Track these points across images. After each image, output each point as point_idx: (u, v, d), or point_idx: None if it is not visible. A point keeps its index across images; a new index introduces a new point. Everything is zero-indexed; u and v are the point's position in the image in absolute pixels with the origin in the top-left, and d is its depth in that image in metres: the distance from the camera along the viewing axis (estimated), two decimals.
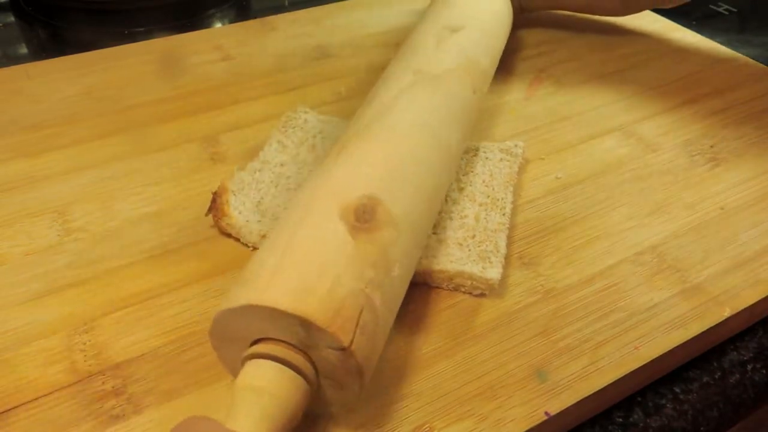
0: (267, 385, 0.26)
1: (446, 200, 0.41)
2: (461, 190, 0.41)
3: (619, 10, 0.58)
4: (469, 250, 0.37)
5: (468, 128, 0.41)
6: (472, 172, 0.43)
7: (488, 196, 0.41)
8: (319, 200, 0.31)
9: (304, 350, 0.27)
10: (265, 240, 0.31)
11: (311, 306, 0.26)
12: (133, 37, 0.65)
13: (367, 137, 0.35)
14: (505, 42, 0.52)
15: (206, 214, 0.40)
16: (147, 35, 0.67)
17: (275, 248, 0.29)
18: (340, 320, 0.26)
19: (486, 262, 0.36)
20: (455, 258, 0.37)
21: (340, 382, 0.28)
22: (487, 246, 0.37)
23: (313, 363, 0.28)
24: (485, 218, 0.39)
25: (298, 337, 0.27)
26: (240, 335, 0.28)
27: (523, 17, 0.64)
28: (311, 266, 0.28)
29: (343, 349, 0.27)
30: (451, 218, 0.39)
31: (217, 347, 0.30)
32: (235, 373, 0.29)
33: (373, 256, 0.29)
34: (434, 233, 0.38)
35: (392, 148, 0.35)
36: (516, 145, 0.45)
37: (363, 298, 0.28)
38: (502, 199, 0.41)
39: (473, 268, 0.36)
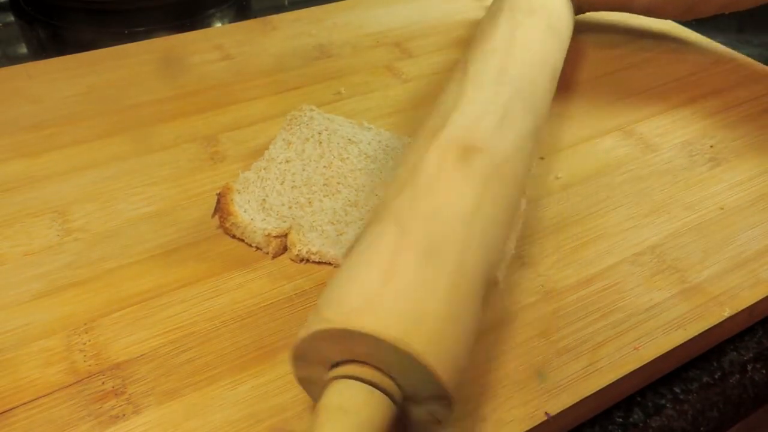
0: (353, 405, 0.25)
1: None
2: None
3: (683, 14, 0.57)
4: None
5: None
6: None
7: None
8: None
9: (382, 368, 0.26)
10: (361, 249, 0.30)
11: (435, 355, 0.26)
12: (133, 37, 0.65)
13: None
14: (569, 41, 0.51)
15: (212, 216, 0.40)
16: (147, 35, 0.67)
17: (375, 264, 0.28)
18: (456, 375, 0.26)
19: None
20: None
21: (426, 407, 0.27)
22: None
23: (399, 385, 0.27)
24: None
25: (392, 366, 0.26)
26: (326, 355, 0.27)
27: (581, 19, 0.63)
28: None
29: (448, 401, 0.26)
30: None
31: (296, 365, 0.29)
32: (312, 393, 0.29)
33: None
34: None
35: None
36: None
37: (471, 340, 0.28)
38: None
39: None
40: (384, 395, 0.26)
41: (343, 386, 0.26)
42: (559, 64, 0.45)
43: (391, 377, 0.26)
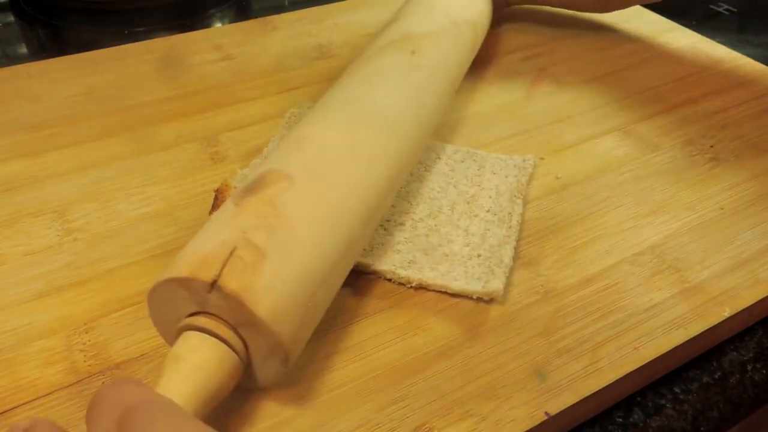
0: (194, 356, 0.27)
1: (452, 212, 0.41)
2: (467, 203, 0.41)
3: (598, 7, 0.58)
4: (474, 269, 0.37)
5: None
6: (479, 186, 0.43)
7: (495, 214, 0.41)
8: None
9: (234, 325, 0.28)
10: None
11: (182, 267, 0.28)
12: (133, 37, 0.65)
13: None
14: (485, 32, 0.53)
15: (210, 213, 0.40)
16: (147, 35, 0.67)
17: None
18: (204, 266, 0.28)
19: (490, 276, 0.36)
20: (459, 275, 0.37)
21: (257, 342, 0.29)
22: (492, 262, 0.37)
23: (243, 338, 0.28)
24: (492, 234, 0.39)
25: (207, 306, 0.28)
26: (174, 310, 0.29)
27: (508, 12, 0.64)
28: (200, 239, 0.30)
29: (211, 286, 0.27)
30: (457, 233, 0.39)
31: (156, 323, 0.31)
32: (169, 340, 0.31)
33: (256, 207, 0.30)
34: (439, 246, 0.38)
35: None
36: (525, 160, 0.45)
37: (237, 240, 0.29)
38: (510, 212, 0.41)
39: (476, 286, 0.36)
40: (225, 345, 0.28)
41: (184, 338, 0.28)
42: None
43: (235, 331, 0.28)
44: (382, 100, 0.39)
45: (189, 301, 0.28)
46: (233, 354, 0.28)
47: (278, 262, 0.29)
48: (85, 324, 0.35)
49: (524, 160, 0.45)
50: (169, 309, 0.29)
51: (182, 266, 0.28)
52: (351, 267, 0.34)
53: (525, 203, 0.42)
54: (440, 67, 0.44)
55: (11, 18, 0.72)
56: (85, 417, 0.24)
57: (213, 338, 0.28)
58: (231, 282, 0.27)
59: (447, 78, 0.45)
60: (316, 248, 0.30)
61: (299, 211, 0.31)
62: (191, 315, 0.29)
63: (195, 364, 0.27)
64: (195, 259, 0.28)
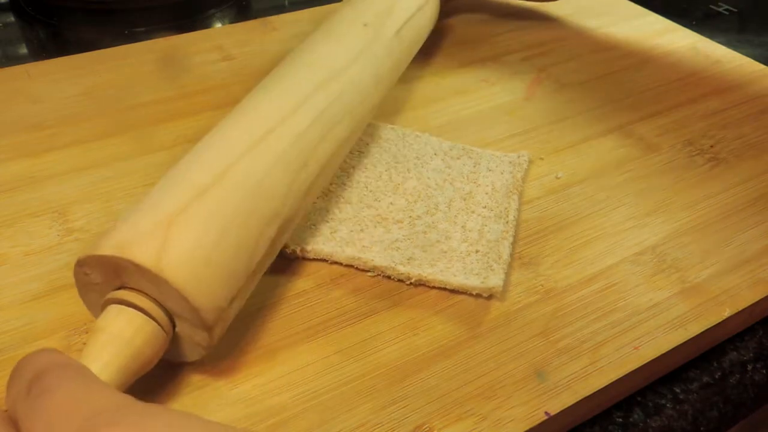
0: (113, 326, 0.28)
1: (449, 209, 0.41)
2: (464, 200, 0.41)
3: None
4: (473, 264, 0.37)
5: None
6: (475, 183, 0.43)
7: (492, 210, 0.41)
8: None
9: (157, 299, 0.29)
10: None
11: (105, 247, 0.29)
12: (133, 37, 0.65)
13: None
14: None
15: None
16: (147, 35, 0.67)
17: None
18: (125, 245, 0.29)
19: (489, 271, 0.36)
20: (458, 271, 0.37)
21: (185, 317, 0.30)
22: (490, 257, 0.37)
23: (168, 312, 0.29)
24: (489, 230, 0.39)
25: (128, 281, 0.29)
26: (99, 286, 0.30)
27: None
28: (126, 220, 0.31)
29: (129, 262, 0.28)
30: (455, 229, 0.39)
31: (82, 292, 0.31)
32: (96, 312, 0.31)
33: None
34: (438, 242, 0.38)
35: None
36: (520, 156, 0.45)
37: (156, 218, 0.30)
38: (506, 208, 0.41)
39: (475, 281, 0.36)
40: (143, 315, 0.29)
41: (109, 310, 0.29)
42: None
43: (158, 303, 0.29)
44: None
45: (111, 277, 0.29)
46: (152, 323, 0.29)
47: (186, 227, 0.30)
48: (85, 324, 0.35)
49: (519, 156, 0.45)
50: (95, 285, 0.30)
51: (105, 246, 0.29)
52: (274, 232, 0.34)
53: (521, 199, 0.42)
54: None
55: (11, 18, 0.72)
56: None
57: (132, 309, 0.29)
58: (142, 255, 0.28)
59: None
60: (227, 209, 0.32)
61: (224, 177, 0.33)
62: (114, 290, 0.30)
63: (113, 334, 0.28)
64: (117, 238, 0.29)
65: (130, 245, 0.29)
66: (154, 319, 0.29)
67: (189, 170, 0.33)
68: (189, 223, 0.30)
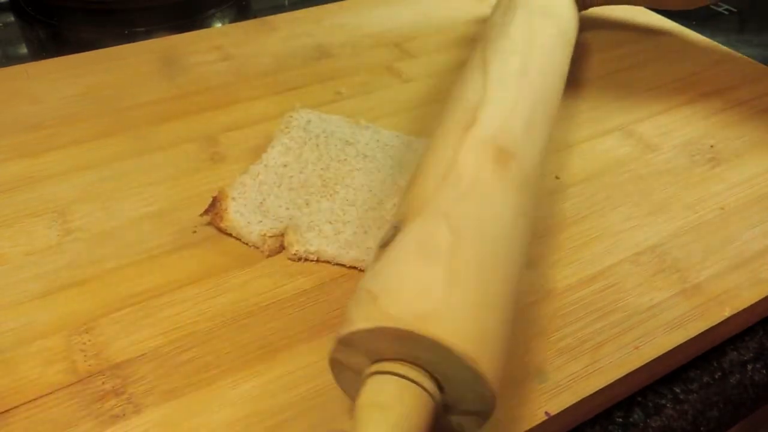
0: (392, 401, 0.25)
1: None
2: None
3: (686, 3, 0.56)
4: None
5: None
6: None
7: None
8: None
9: (428, 369, 0.26)
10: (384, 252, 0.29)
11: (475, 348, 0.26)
12: (133, 37, 0.65)
13: None
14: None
15: (201, 215, 0.40)
16: (147, 35, 0.67)
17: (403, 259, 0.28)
18: (488, 358, 0.26)
19: None
20: None
21: (467, 406, 0.27)
22: None
23: (438, 381, 0.27)
24: None
25: (425, 360, 0.26)
26: (362, 355, 0.27)
27: (583, 16, 0.62)
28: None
29: (484, 418, 0.26)
30: None
31: (335, 367, 0.29)
32: (352, 394, 0.29)
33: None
34: None
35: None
36: None
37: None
38: None
39: None
40: (428, 395, 0.26)
41: (385, 382, 0.26)
42: (567, 72, 0.45)
43: (436, 380, 0.26)
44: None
45: (409, 354, 0.26)
46: (425, 393, 0.26)
47: (459, 288, 0.27)
48: (85, 324, 0.35)
49: None
50: (367, 349, 0.27)
51: (371, 317, 0.26)
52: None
53: None
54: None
55: (11, 18, 0.72)
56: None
57: (412, 383, 0.26)
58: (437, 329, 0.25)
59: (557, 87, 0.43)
60: (497, 266, 0.29)
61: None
62: (380, 360, 0.27)
63: (398, 412, 0.25)
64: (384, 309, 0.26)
65: (425, 319, 0.25)
66: (435, 402, 0.26)
67: (430, 224, 0.29)
68: (459, 283, 0.27)
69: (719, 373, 0.36)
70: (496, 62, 0.39)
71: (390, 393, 0.25)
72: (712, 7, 0.69)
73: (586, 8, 0.58)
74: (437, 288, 0.27)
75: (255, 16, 0.66)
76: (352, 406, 0.29)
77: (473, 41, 0.61)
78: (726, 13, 0.64)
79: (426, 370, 0.26)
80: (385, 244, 0.29)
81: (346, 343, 0.27)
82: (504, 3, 0.48)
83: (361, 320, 0.26)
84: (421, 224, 0.29)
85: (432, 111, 0.51)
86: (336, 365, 0.28)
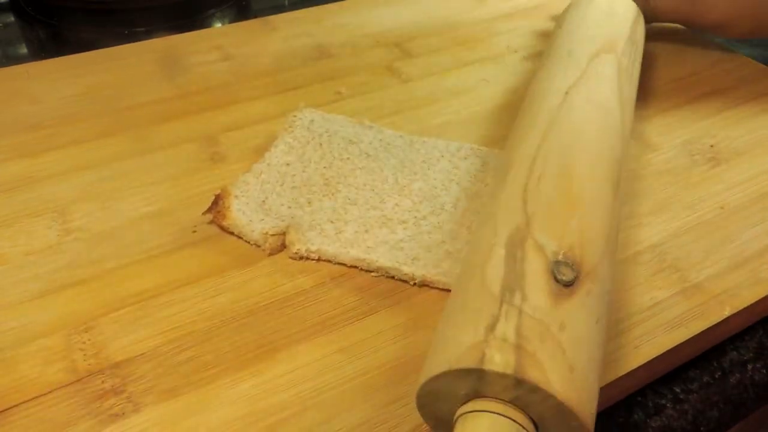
0: None
1: (455, 209, 0.41)
2: (471, 200, 0.41)
3: (751, 33, 0.56)
4: None
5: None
6: (482, 182, 0.43)
7: None
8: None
9: (521, 406, 0.26)
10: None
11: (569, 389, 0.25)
12: (133, 37, 0.65)
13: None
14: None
15: (203, 213, 0.40)
16: (147, 35, 0.67)
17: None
18: (586, 404, 0.26)
19: None
20: None
21: None
22: None
23: (531, 418, 0.26)
24: None
25: (522, 401, 0.26)
26: (452, 393, 0.27)
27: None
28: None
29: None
30: (460, 230, 0.39)
31: (422, 402, 0.28)
32: (435, 420, 0.29)
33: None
34: (443, 243, 0.38)
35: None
36: None
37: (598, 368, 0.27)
38: None
39: None
40: (518, 426, 0.26)
41: (491, 421, 0.26)
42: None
43: (522, 410, 0.26)
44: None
45: (488, 389, 0.26)
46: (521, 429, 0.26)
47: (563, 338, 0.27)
48: (85, 323, 0.35)
49: None
50: (450, 391, 0.27)
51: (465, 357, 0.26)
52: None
53: None
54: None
55: (11, 18, 0.72)
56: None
57: (512, 422, 0.26)
58: (556, 383, 0.25)
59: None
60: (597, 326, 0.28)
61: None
62: (481, 399, 0.26)
63: None
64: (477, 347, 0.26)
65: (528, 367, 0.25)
66: (523, 427, 0.26)
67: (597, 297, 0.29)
68: (597, 356, 0.27)
69: (719, 373, 0.36)
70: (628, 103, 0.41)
71: (487, 429, 0.25)
72: None
73: (648, 23, 0.57)
74: (597, 393, 0.27)
75: (255, 16, 0.66)
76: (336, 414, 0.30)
77: (473, 41, 0.61)
78: None
79: (523, 410, 0.26)
80: (567, 284, 0.28)
81: (495, 378, 0.26)
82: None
83: (560, 387, 0.25)
84: (598, 297, 0.29)
85: (432, 111, 0.51)
86: (444, 383, 0.27)
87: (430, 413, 0.29)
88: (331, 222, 0.39)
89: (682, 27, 0.63)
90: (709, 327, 0.35)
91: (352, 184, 0.42)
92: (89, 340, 0.34)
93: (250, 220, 0.39)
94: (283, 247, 0.39)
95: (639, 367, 0.33)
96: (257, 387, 0.32)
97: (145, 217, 0.41)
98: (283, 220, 0.39)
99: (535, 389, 0.25)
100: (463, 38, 0.61)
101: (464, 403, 0.27)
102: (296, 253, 0.38)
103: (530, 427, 0.26)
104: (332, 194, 0.41)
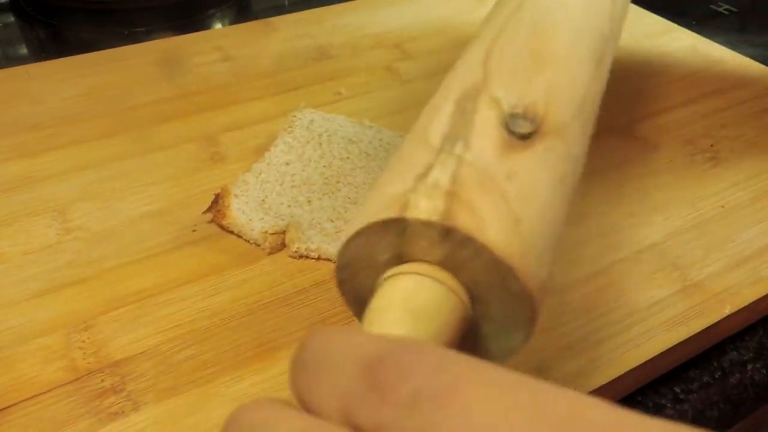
0: (424, 306, 0.20)
1: None
2: None
3: None
4: None
5: None
6: None
7: None
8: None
9: (452, 269, 0.21)
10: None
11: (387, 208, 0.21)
12: (133, 38, 0.65)
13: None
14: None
15: (203, 212, 0.40)
16: (147, 36, 0.67)
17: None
18: (532, 265, 0.21)
19: None
20: None
21: (500, 306, 0.22)
22: None
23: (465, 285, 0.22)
24: None
25: (474, 276, 0.21)
26: (373, 259, 0.22)
27: None
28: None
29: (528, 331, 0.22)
30: None
31: (341, 276, 0.24)
32: (357, 293, 0.24)
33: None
34: None
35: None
36: None
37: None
38: None
39: None
40: (462, 304, 0.21)
41: (412, 282, 0.21)
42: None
43: (468, 289, 0.22)
44: None
45: (411, 248, 0.22)
46: (459, 300, 0.21)
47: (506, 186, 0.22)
48: (85, 322, 0.35)
49: None
50: (369, 254, 0.22)
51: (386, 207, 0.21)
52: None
53: None
54: None
55: (11, 18, 0.72)
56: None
57: (452, 293, 0.21)
58: (495, 234, 0.21)
59: None
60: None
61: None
62: (407, 262, 0.22)
63: (439, 326, 0.20)
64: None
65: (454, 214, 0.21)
66: (457, 294, 0.21)
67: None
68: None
69: (719, 373, 0.36)
70: None
71: (426, 299, 0.21)
72: (712, 7, 0.69)
73: None
74: (549, 259, 0.23)
75: (256, 17, 0.66)
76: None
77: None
78: (726, 13, 0.64)
79: (454, 274, 0.21)
80: (523, 137, 0.24)
81: (420, 229, 0.21)
82: None
83: (500, 240, 0.21)
84: (563, 156, 0.25)
85: None
86: (362, 244, 0.23)
87: (352, 292, 0.24)
88: (331, 221, 0.39)
89: (681, 27, 0.63)
90: (710, 325, 0.35)
91: (351, 183, 0.42)
92: (89, 338, 0.34)
93: (250, 219, 0.39)
94: (283, 245, 0.39)
95: (639, 366, 0.33)
96: (257, 386, 0.32)
97: (145, 217, 0.41)
98: (282, 219, 0.39)
99: (466, 241, 0.20)
100: (463, 38, 0.61)
101: (396, 265, 0.22)
102: (296, 251, 0.38)
103: (462, 293, 0.21)
104: (332, 193, 0.41)
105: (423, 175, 0.22)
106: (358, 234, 0.22)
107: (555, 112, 0.25)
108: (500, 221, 0.21)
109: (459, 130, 0.23)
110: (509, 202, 0.22)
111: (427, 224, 0.21)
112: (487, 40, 0.30)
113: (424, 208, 0.21)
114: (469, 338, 0.23)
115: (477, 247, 0.21)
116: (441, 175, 0.22)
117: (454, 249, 0.21)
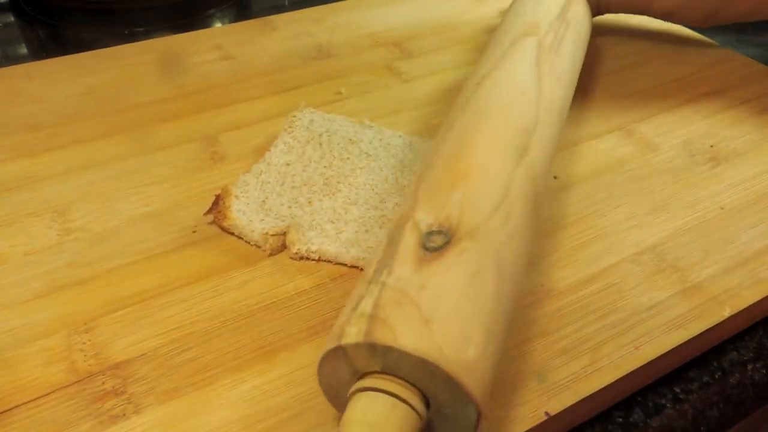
0: (381, 421, 0.25)
1: None
2: None
3: (703, 20, 0.56)
4: None
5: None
6: None
7: None
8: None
9: (415, 384, 0.26)
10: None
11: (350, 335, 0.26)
12: (133, 37, 0.65)
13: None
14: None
15: (204, 214, 0.40)
16: (147, 35, 0.67)
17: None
18: (453, 353, 0.25)
19: None
20: None
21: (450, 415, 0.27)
22: None
23: (425, 397, 0.26)
24: None
25: (415, 376, 0.26)
26: (349, 369, 0.27)
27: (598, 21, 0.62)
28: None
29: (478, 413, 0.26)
30: None
31: (328, 396, 0.29)
32: (340, 407, 0.29)
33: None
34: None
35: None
36: None
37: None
38: None
39: None
40: (410, 409, 0.25)
41: (367, 399, 0.26)
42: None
43: (419, 391, 0.26)
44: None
45: (360, 365, 0.27)
46: (416, 416, 0.26)
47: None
48: (85, 324, 0.35)
49: None
50: (337, 375, 0.28)
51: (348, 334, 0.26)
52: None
53: None
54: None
55: (11, 18, 0.72)
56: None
57: (401, 402, 0.25)
58: (405, 338, 0.25)
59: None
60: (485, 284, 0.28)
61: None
62: (363, 377, 0.27)
63: (382, 430, 0.25)
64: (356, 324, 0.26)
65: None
66: (419, 415, 0.26)
67: (485, 260, 0.29)
68: (495, 340, 0.27)
69: (719, 373, 0.36)
70: (550, 76, 0.40)
71: (379, 412, 0.25)
72: None
73: (600, 14, 0.58)
74: (480, 340, 0.26)
75: (255, 16, 0.66)
76: (335, 414, 0.30)
77: (473, 40, 0.61)
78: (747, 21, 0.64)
79: (413, 385, 0.26)
80: (433, 249, 0.28)
81: (356, 351, 0.26)
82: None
83: (409, 342, 0.25)
84: (476, 253, 0.28)
85: (432, 111, 0.51)
86: (328, 370, 0.28)
87: (342, 405, 0.28)
88: (332, 222, 0.39)
89: (680, 26, 0.63)
90: (709, 327, 0.35)
91: (352, 183, 0.42)
92: (89, 340, 0.34)
93: (251, 221, 0.39)
94: (284, 247, 0.39)
95: (639, 368, 0.33)
96: (258, 388, 0.32)
97: (146, 217, 0.41)
98: (283, 220, 0.39)
99: (388, 350, 0.25)
100: (463, 38, 0.61)
101: (358, 379, 0.27)
102: (296, 253, 0.38)
103: (412, 396, 0.25)
104: (332, 194, 0.41)
105: (355, 307, 0.27)
106: (321, 363, 0.27)
107: (468, 218, 0.30)
108: (410, 327, 0.25)
109: (387, 260, 0.28)
110: (421, 309, 0.26)
111: (355, 345, 0.26)
112: (420, 169, 0.34)
113: (353, 333, 0.26)
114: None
115: (398, 352, 0.25)
116: (366, 304, 0.27)
117: (386, 358, 0.25)
